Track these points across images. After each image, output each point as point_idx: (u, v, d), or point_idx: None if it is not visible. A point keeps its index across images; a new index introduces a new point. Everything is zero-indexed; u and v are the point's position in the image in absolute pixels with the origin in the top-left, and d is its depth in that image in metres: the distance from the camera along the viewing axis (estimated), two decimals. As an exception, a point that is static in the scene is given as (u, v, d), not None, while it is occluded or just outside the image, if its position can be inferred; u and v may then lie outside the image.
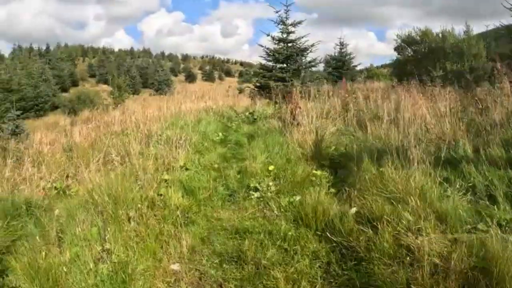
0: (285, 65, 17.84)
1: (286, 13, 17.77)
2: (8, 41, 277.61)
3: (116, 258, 3.66)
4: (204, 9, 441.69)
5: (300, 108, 8.50)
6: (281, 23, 17.85)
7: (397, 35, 23.90)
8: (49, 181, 6.32)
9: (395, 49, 24.41)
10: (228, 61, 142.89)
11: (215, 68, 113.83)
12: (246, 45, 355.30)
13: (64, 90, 53.37)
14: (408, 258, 3.42)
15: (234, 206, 5.18)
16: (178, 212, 4.66)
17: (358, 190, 4.82)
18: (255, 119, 11.11)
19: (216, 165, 6.70)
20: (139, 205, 4.58)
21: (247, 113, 12.11)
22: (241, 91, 31.88)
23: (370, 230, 3.89)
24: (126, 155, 6.90)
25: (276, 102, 11.48)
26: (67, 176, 6.38)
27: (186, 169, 6.33)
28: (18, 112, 20.92)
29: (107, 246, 3.75)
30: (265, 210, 4.91)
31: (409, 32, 23.54)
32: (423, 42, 22.68)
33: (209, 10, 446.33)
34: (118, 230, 4.12)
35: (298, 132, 7.77)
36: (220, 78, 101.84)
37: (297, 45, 17.88)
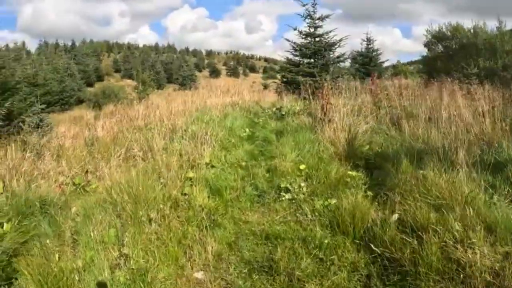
0: (312, 60, 17.32)
1: (313, 6, 17.25)
2: (33, 37, 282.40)
3: (135, 265, 3.31)
4: (227, 5, 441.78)
5: (331, 104, 8.04)
6: (308, 17, 17.31)
7: (427, 31, 23.26)
8: (68, 176, 6.03)
9: (425, 45, 23.75)
10: (252, 57, 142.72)
11: (239, 64, 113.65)
12: (270, 41, 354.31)
13: (90, 84, 53.81)
14: (460, 274, 3.03)
15: (263, 208, 4.77)
16: (203, 214, 4.30)
17: (398, 194, 4.39)
18: (283, 115, 10.66)
19: (243, 163, 6.29)
20: (161, 206, 4.23)
21: (274, 109, 11.63)
22: (266, 86, 31.49)
23: (414, 240, 3.49)
24: (149, 150, 6.60)
25: (305, 98, 11.02)
26: (87, 172, 6.06)
27: (212, 166, 5.96)
28: (43, 106, 20.87)
29: (125, 250, 3.40)
30: (297, 214, 4.49)
31: (439, 28, 22.85)
32: (454, 37, 21.96)
33: (232, 6, 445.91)
34: (137, 232, 3.78)
35: (329, 129, 7.34)
36: (245, 74, 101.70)
37: (325, 40, 17.34)
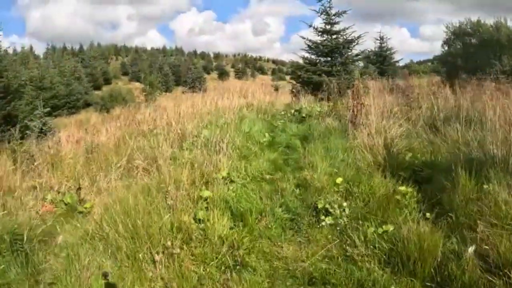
0: (329, 58, 16.27)
1: (329, 1, 16.23)
2: (42, 42, 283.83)
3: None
4: (234, 8, 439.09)
5: (363, 105, 6.98)
6: (324, 13, 16.30)
7: (446, 27, 22.24)
8: (60, 192, 5.08)
9: (445, 42, 22.76)
10: (260, 58, 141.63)
11: (248, 66, 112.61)
12: (277, 43, 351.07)
13: (97, 88, 53.19)
14: None
15: (299, 237, 3.78)
16: (225, 249, 3.30)
17: (465, 217, 3.54)
18: (303, 117, 9.69)
19: (267, 176, 5.28)
20: (169, 242, 3.21)
21: (292, 111, 10.66)
22: (277, 88, 30.58)
23: (500, 280, 2.69)
24: (154, 160, 5.61)
25: (328, 99, 9.97)
26: (79, 188, 5.05)
27: (231, 181, 4.93)
28: (47, 109, 20.17)
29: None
30: (345, 245, 3.49)
31: (460, 24, 21.84)
32: (475, 34, 20.95)
33: (239, 8, 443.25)
34: (137, 278, 2.82)
35: (363, 133, 6.33)
36: (253, 76, 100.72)
37: (343, 37, 16.29)
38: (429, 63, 61.09)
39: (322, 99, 11.95)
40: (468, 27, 21.51)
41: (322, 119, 8.37)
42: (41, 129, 17.92)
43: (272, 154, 6.41)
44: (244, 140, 6.98)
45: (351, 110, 7.17)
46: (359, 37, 16.18)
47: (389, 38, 28.25)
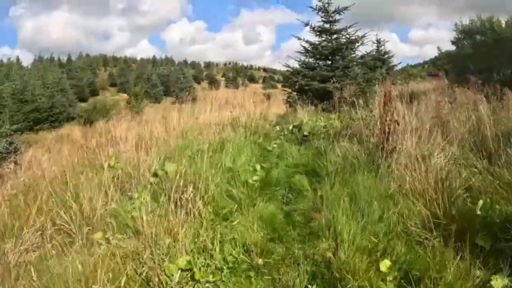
0: (329, 61, 14.27)
1: (328, -2, 14.21)
2: (34, 53, 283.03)
3: None
4: (225, 17, 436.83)
5: (397, 122, 4.77)
6: (322, 9, 14.27)
7: (455, 25, 20.39)
8: None
9: (453, 42, 20.93)
10: (251, 67, 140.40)
11: (239, 75, 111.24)
12: (268, 51, 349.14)
13: (83, 100, 51.36)
14: None
15: None
16: None
17: None
18: (305, 136, 7.57)
19: (260, 260, 3.00)
20: None
21: (290, 127, 8.50)
22: (269, 97, 28.82)
23: None
24: (84, 222, 3.55)
25: (339, 111, 7.80)
26: None
27: (194, 279, 2.66)
28: (14, 127, 18.19)
29: None
30: None
31: (470, 21, 20.05)
32: (487, 32, 19.18)
33: (230, 17, 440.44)
34: None
35: (401, 165, 4.23)
36: (244, 84, 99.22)
37: (345, 36, 14.28)
38: (420, 67, 60.19)
39: (325, 109, 9.98)
40: (479, 24, 19.72)
41: (334, 140, 6.06)
42: (7, 149, 15.86)
43: (267, 205, 4.12)
44: (225, 181, 4.67)
45: (379, 130, 4.99)
46: (363, 36, 14.17)
47: (387, 41, 26.72)
